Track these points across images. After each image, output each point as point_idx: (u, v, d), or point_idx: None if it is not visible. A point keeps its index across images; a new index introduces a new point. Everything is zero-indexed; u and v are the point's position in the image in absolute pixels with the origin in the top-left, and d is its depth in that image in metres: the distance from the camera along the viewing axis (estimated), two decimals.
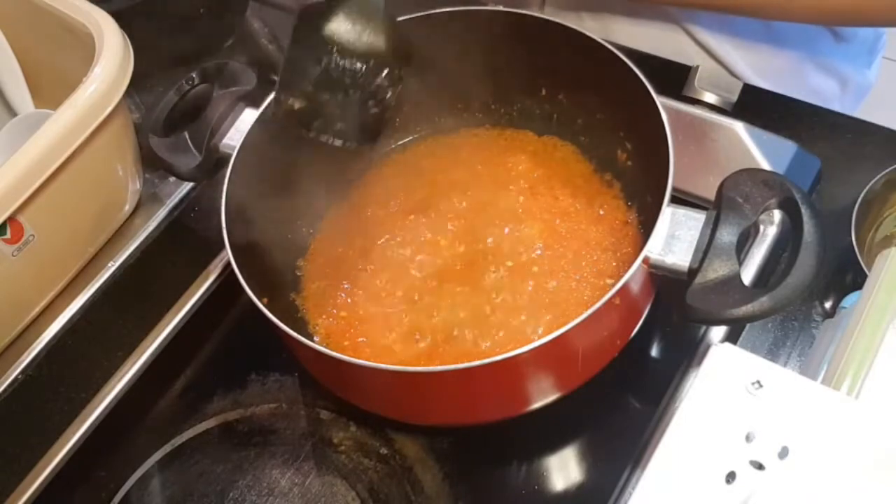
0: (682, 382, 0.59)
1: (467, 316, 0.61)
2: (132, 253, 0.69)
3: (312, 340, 0.60)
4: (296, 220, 0.67)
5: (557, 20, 0.62)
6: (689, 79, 0.69)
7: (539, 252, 0.63)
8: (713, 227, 0.51)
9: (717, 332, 0.62)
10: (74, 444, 0.61)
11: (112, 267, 0.69)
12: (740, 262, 0.50)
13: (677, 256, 0.52)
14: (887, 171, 0.61)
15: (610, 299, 0.50)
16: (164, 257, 0.70)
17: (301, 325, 0.63)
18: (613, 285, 0.50)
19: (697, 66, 0.69)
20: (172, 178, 0.72)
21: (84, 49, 0.61)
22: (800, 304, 0.62)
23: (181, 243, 0.71)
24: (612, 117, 0.65)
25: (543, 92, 0.68)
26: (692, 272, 0.51)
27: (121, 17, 0.63)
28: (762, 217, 0.53)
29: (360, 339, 0.61)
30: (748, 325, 0.62)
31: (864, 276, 0.53)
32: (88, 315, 0.67)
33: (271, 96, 0.61)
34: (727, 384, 0.45)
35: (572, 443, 0.61)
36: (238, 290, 0.53)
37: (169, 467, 0.62)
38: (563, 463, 0.61)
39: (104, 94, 0.60)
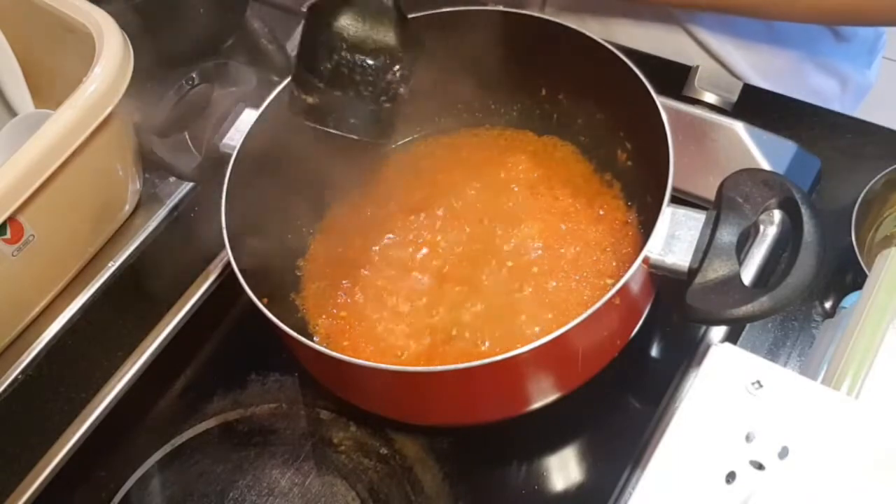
0: (682, 382, 0.59)
1: (467, 316, 0.61)
2: (132, 253, 0.69)
3: (312, 340, 0.60)
4: (296, 220, 0.67)
5: (557, 20, 0.62)
6: (689, 79, 0.69)
7: (539, 252, 0.63)
8: (713, 227, 0.51)
9: (717, 332, 0.62)
10: (74, 444, 0.61)
11: (112, 267, 0.68)
12: (740, 262, 0.50)
13: (677, 256, 0.52)
14: (887, 171, 0.61)
15: (610, 299, 0.50)
16: (164, 257, 0.70)
17: (301, 325, 0.63)
18: (613, 285, 0.50)
19: (697, 66, 0.69)
20: (172, 178, 0.72)
21: (84, 49, 0.61)
22: (800, 304, 0.62)
23: (181, 243, 0.71)
24: (612, 117, 0.65)
25: (543, 92, 0.69)
26: (692, 272, 0.51)
27: (121, 17, 0.63)
28: (762, 217, 0.53)
29: (360, 339, 0.62)
30: (748, 325, 0.62)
31: (864, 276, 0.53)
32: (88, 315, 0.67)
33: (273, 94, 0.61)
34: (727, 384, 0.45)
35: (572, 443, 0.61)
36: (238, 290, 0.53)
37: (169, 467, 0.62)
38: (563, 463, 0.61)
39: (104, 94, 0.60)
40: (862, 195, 0.61)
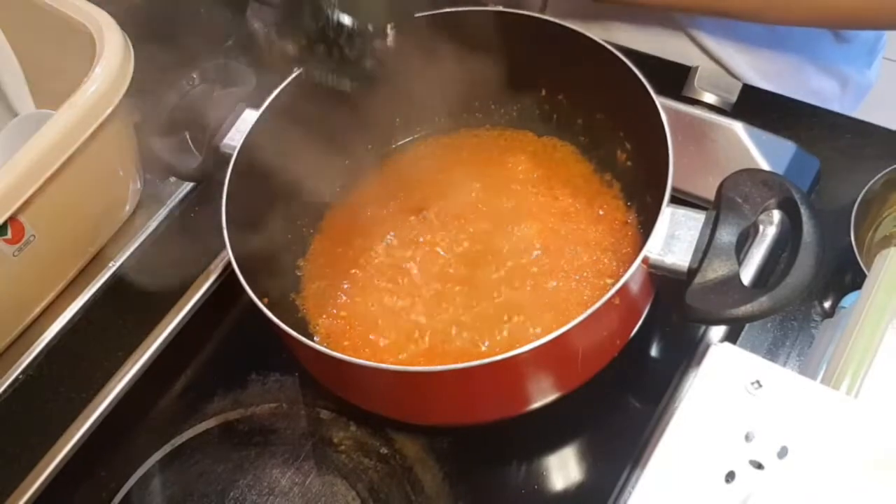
0: (682, 382, 0.59)
1: (467, 316, 0.61)
2: (132, 253, 0.69)
3: (312, 340, 0.60)
4: (296, 220, 0.67)
5: (557, 20, 0.62)
6: (688, 79, 0.69)
7: (539, 252, 0.63)
8: (713, 227, 0.51)
9: (717, 332, 0.62)
10: (75, 444, 0.61)
11: (112, 267, 0.69)
12: (740, 262, 0.50)
13: (677, 256, 0.52)
14: (886, 171, 0.61)
15: (610, 299, 0.50)
16: (164, 257, 0.70)
17: (301, 325, 0.63)
18: (613, 285, 0.50)
19: (697, 67, 0.69)
20: (172, 178, 0.72)
21: (84, 49, 0.61)
22: (799, 304, 0.62)
23: (181, 243, 0.71)
24: (612, 117, 0.65)
25: (543, 92, 0.69)
26: (692, 272, 0.51)
27: (121, 18, 0.63)
28: (761, 217, 0.53)
29: (360, 340, 0.62)
30: (748, 325, 0.62)
31: (864, 276, 0.53)
32: (88, 315, 0.67)
33: (273, 94, 0.61)
34: (727, 384, 0.45)
35: (572, 443, 0.61)
36: (238, 290, 0.53)
37: (169, 467, 0.62)
38: (563, 463, 0.61)
39: (104, 95, 0.60)
40: (861, 195, 0.61)
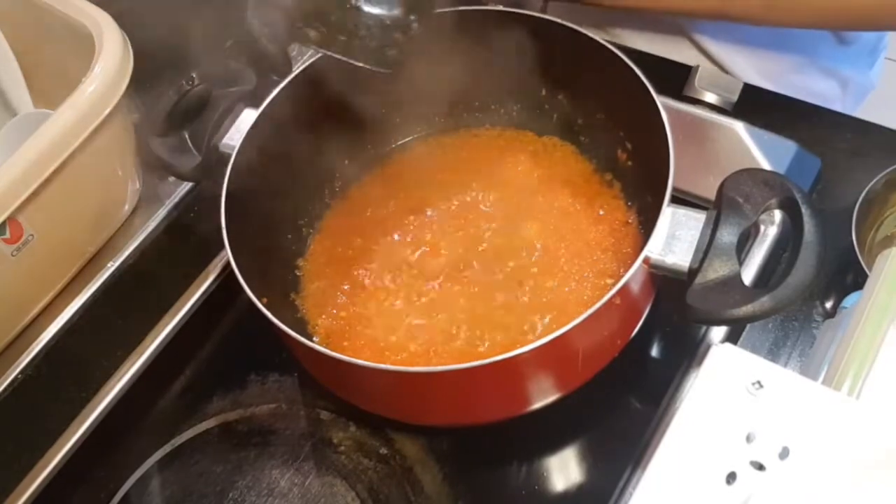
0: (682, 382, 0.59)
1: (467, 316, 0.61)
2: (132, 253, 0.69)
3: (312, 340, 0.60)
4: (296, 220, 0.67)
5: (557, 20, 0.62)
6: (689, 79, 0.69)
7: (539, 252, 0.63)
8: (713, 227, 0.51)
9: (718, 332, 0.62)
10: (74, 444, 0.61)
11: (112, 267, 0.68)
12: (740, 262, 0.50)
13: (677, 256, 0.52)
14: (888, 171, 0.61)
15: (610, 299, 0.50)
16: (164, 257, 0.70)
17: (301, 325, 0.63)
18: (613, 285, 0.50)
19: (697, 66, 0.69)
20: (172, 178, 0.72)
21: (84, 49, 0.61)
22: (800, 305, 0.62)
23: (181, 243, 0.71)
24: (612, 117, 0.65)
25: (543, 92, 0.68)
26: (692, 272, 0.51)
27: (121, 17, 0.63)
28: (762, 217, 0.53)
29: (360, 340, 0.61)
30: (748, 326, 0.62)
31: (865, 276, 0.53)
32: (88, 315, 0.67)
33: (273, 94, 0.61)
34: (727, 384, 0.45)
35: (572, 443, 0.61)
36: (238, 290, 0.53)
37: (169, 467, 0.62)
38: (563, 463, 0.61)
39: (104, 94, 0.60)
40: (862, 195, 0.60)
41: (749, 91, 0.69)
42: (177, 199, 0.72)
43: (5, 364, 0.64)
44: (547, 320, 0.60)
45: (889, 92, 0.97)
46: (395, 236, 0.66)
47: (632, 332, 0.59)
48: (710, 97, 0.68)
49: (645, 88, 0.57)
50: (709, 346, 0.47)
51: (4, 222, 0.57)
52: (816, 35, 0.78)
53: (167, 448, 0.63)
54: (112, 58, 0.60)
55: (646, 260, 0.52)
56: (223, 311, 0.69)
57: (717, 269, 0.50)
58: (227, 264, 0.54)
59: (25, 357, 0.64)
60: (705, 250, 0.50)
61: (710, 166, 0.65)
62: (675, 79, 0.69)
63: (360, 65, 0.55)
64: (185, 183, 0.72)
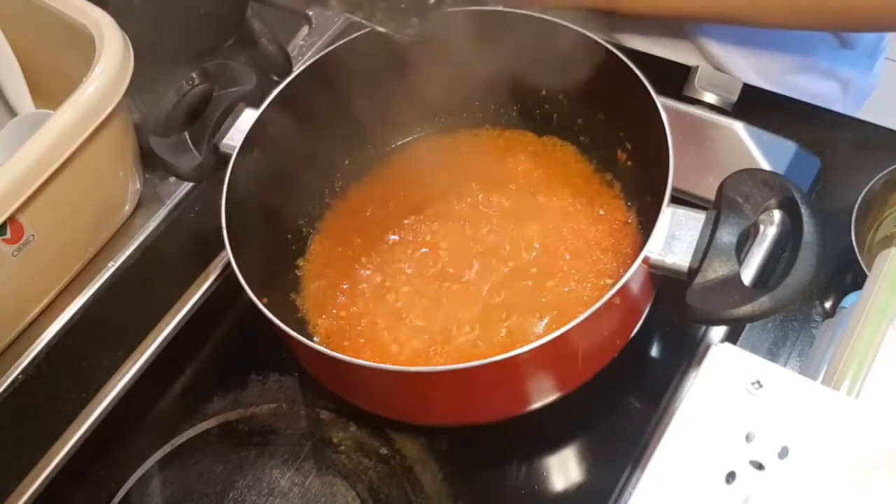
0: (682, 382, 0.59)
1: (467, 316, 0.61)
2: (132, 253, 0.69)
3: (312, 340, 0.60)
4: (296, 220, 0.67)
5: (558, 20, 0.62)
6: (689, 79, 0.69)
7: (539, 252, 0.63)
8: (713, 227, 0.51)
9: (717, 332, 0.62)
10: (74, 444, 0.61)
11: (112, 267, 0.68)
12: (740, 262, 0.50)
13: (677, 256, 0.52)
14: (887, 171, 0.61)
15: (610, 299, 0.50)
16: (164, 257, 0.70)
17: (301, 325, 0.63)
18: (613, 285, 0.50)
19: (697, 67, 0.69)
20: (172, 178, 0.72)
21: (84, 49, 0.61)
22: (800, 304, 0.62)
23: (181, 243, 0.71)
24: (612, 117, 0.65)
25: (543, 92, 0.68)
26: (692, 272, 0.51)
27: (121, 17, 0.63)
28: (762, 217, 0.53)
29: (360, 339, 0.61)
30: (748, 325, 0.62)
31: (864, 276, 0.53)
32: (88, 315, 0.67)
33: (273, 94, 0.61)
34: (727, 384, 0.45)
35: (572, 443, 0.61)
36: (238, 290, 0.53)
37: (169, 467, 0.62)
38: (563, 463, 0.61)
39: (104, 94, 0.60)
40: (862, 195, 0.61)
41: (749, 91, 0.69)
42: (177, 199, 0.72)
43: (6, 364, 0.64)
44: (547, 320, 0.60)
45: (889, 92, 0.97)
46: (395, 236, 0.66)
47: (631, 332, 0.59)
48: (710, 97, 0.68)
49: (645, 88, 0.57)
50: (708, 346, 0.47)
51: (5, 223, 0.57)
52: (817, 36, 0.78)
53: (167, 448, 0.63)
54: (112, 58, 0.60)
55: (645, 260, 0.52)
56: (223, 311, 0.69)
57: (716, 269, 0.50)
58: (228, 264, 0.54)
59: (26, 357, 0.64)
60: (705, 250, 0.50)
61: (710, 166, 0.65)
62: (675, 79, 0.69)
63: (379, 28, 0.56)
64: (185, 183, 0.72)
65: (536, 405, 0.58)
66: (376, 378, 0.54)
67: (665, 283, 0.54)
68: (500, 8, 0.64)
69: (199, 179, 0.66)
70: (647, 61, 0.59)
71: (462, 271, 0.63)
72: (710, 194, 0.54)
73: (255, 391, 0.65)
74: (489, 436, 0.61)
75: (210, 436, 0.63)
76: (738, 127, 0.65)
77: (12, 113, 0.70)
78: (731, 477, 0.43)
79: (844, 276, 0.62)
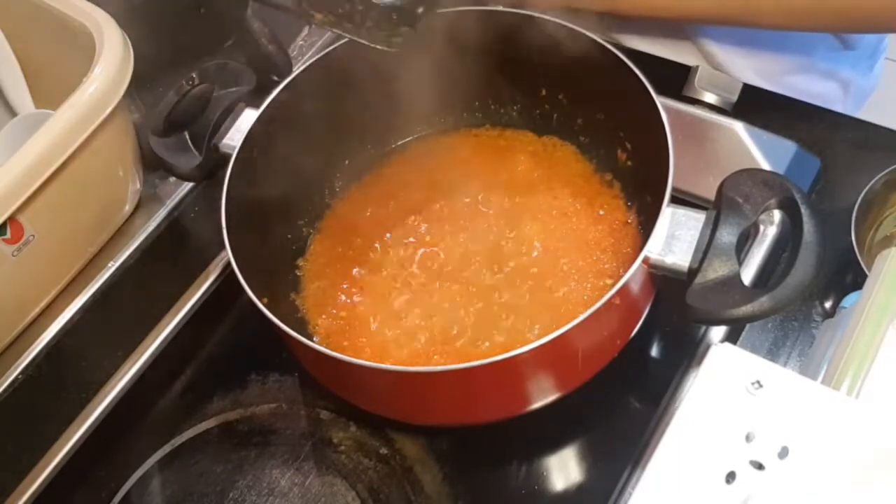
0: (682, 382, 0.59)
1: (467, 316, 0.61)
2: (132, 253, 0.69)
3: (312, 340, 0.60)
4: (296, 220, 0.67)
5: (557, 20, 0.62)
6: (689, 79, 0.69)
7: (539, 252, 0.63)
8: (713, 227, 0.51)
9: (717, 332, 0.62)
10: (74, 444, 0.61)
11: (112, 267, 0.69)
12: (740, 262, 0.50)
13: (677, 256, 0.52)
14: (887, 171, 0.61)
15: (610, 299, 0.50)
16: (164, 257, 0.70)
17: (301, 325, 0.63)
18: (613, 285, 0.50)
19: (697, 67, 0.69)
20: (172, 178, 0.72)
21: (84, 49, 0.61)
22: (800, 304, 0.62)
23: (181, 243, 0.71)
24: (612, 117, 0.65)
25: (543, 92, 0.69)
26: (692, 272, 0.51)
27: (121, 17, 0.63)
28: (762, 217, 0.53)
29: (360, 340, 0.61)
30: (748, 325, 0.62)
31: (864, 276, 0.53)
32: (88, 315, 0.67)
33: (273, 94, 0.61)
34: (727, 384, 0.45)
35: (572, 443, 0.61)
36: (238, 290, 0.53)
37: (169, 467, 0.62)
38: (563, 463, 0.61)
39: (104, 94, 0.60)
40: (862, 195, 0.61)
41: (749, 91, 0.69)
42: (177, 199, 0.72)
43: (6, 364, 0.64)
44: (547, 320, 0.60)
45: (889, 92, 0.97)
46: (396, 236, 0.66)
47: (631, 332, 0.59)
48: (710, 97, 0.68)
49: (645, 88, 0.57)
50: (708, 346, 0.47)
51: (5, 223, 0.57)
52: (817, 37, 0.78)
53: (167, 448, 0.63)
54: (112, 58, 0.60)
55: (645, 260, 0.52)
56: (223, 311, 0.69)
57: (716, 269, 0.50)
58: (228, 264, 0.54)
59: (26, 357, 0.64)
60: (705, 250, 0.50)
61: (710, 166, 0.65)
62: (675, 79, 0.69)
63: (365, 43, 0.56)
64: (185, 183, 0.72)
65: (536, 405, 0.58)
66: (376, 378, 0.54)
67: (665, 283, 0.54)
68: (500, 8, 0.64)
69: (199, 179, 0.66)
70: (647, 61, 0.59)
71: (462, 271, 0.63)
72: (710, 194, 0.54)
73: (255, 391, 0.65)
74: (489, 436, 0.61)
75: (210, 436, 0.63)
76: (738, 127, 0.65)
77: (12, 113, 0.70)
78: (731, 477, 0.43)
79: (844, 276, 0.62)
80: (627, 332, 0.58)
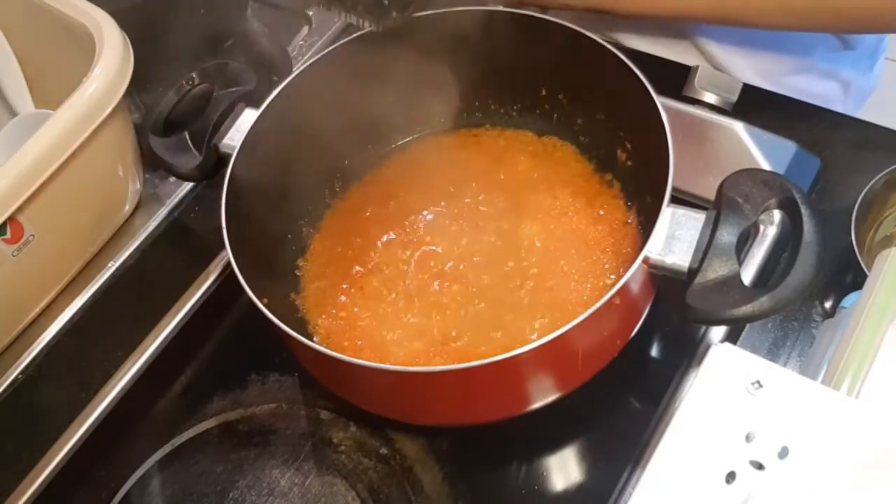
0: (682, 382, 0.59)
1: (467, 316, 0.61)
2: (132, 253, 0.69)
3: (312, 340, 0.60)
4: (296, 220, 0.67)
5: (557, 20, 0.62)
6: (689, 79, 0.69)
7: (539, 252, 0.63)
8: (713, 227, 0.51)
9: (717, 332, 0.62)
10: (74, 444, 0.61)
11: (112, 267, 0.69)
12: (740, 262, 0.50)
13: (677, 256, 0.52)
14: (887, 171, 0.61)
15: (610, 299, 0.50)
16: (164, 257, 0.70)
17: (301, 325, 0.63)
18: (613, 285, 0.50)
19: (697, 67, 0.69)
20: (172, 178, 0.72)
21: (84, 49, 0.61)
22: (800, 304, 0.62)
23: (181, 243, 0.71)
24: (612, 117, 0.65)
25: (543, 92, 0.69)
26: (692, 272, 0.51)
27: (121, 17, 0.63)
28: (762, 217, 0.53)
29: (360, 340, 0.61)
30: (748, 325, 0.62)
31: (864, 276, 0.53)
32: (88, 315, 0.67)
33: (273, 94, 0.61)
34: (727, 384, 0.45)
35: (572, 443, 0.61)
36: (238, 290, 0.53)
37: (169, 467, 0.62)
38: (563, 463, 0.61)
39: (104, 94, 0.60)
40: (862, 195, 0.61)
41: (749, 91, 0.69)
42: (177, 199, 0.72)
43: (6, 364, 0.64)
44: (547, 320, 0.60)
45: (889, 92, 0.97)
46: (395, 236, 0.66)
47: (631, 332, 0.59)
48: (710, 97, 0.68)
49: (645, 88, 0.57)
50: (708, 346, 0.47)
51: (5, 222, 0.57)
52: (817, 37, 0.78)
53: (167, 448, 0.63)
54: (112, 58, 0.60)
55: (645, 260, 0.52)
56: (223, 311, 0.69)
57: (716, 269, 0.50)
58: (228, 264, 0.54)
59: (26, 357, 0.64)
60: (705, 250, 0.50)
61: (710, 166, 0.65)
62: (675, 79, 0.69)
63: (354, 22, 0.56)
64: (185, 183, 0.72)
65: (536, 405, 0.58)
66: (376, 378, 0.54)
67: (665, 283, 0.54)
68: (500, 8, 0.64)
69: (199, 179, 0.66)
70: (647, 61, 0.59)
71: (462, 271, 0.63)
72: (710, 194, 0.54)
73: (255, 391, 0.65)
74: (489, 436, 0.61)
75: (210, 436, 0.63)
76: (738, 127, 0.65)
77: (12, 113, 0.70)
78: (731, 477, 0.43)
79: (844, 276, 0.62)
80: (627, 332, 0.58)
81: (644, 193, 0.62)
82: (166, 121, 0.63)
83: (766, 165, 0.64)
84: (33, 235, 0.60)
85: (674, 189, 0.53)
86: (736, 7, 0.68)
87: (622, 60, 0.58)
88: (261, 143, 0.61)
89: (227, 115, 0.63)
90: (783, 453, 0.43)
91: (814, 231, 0.49)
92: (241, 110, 0.63)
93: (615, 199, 0.65)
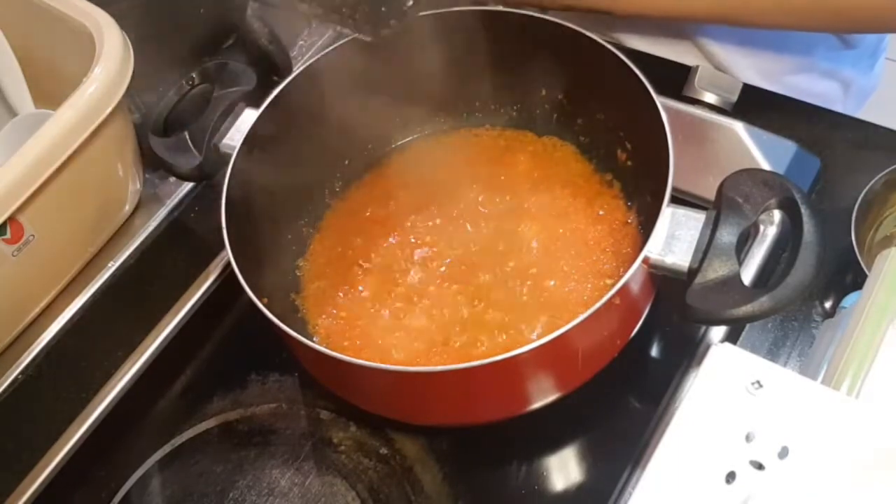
0: (682, 382, 0.59)
1: (467, 316, 0.61)
2: (132, 253, 0.69)
3: (312, 340, 0.60)
4: (296, 220, 0.67)
5: (557, 20, 0.62)
6: (689, 79, 0.69)
7: (538, 252, 0.63)
8: (713, 227, 0.51)
9: (717, 332, 0.62)
10: (74, 444, 0.61)
11: (112, 267, 0.69)
12: (740, 262, 0.50)
13: (677, 256, 0.52)
14: (887, 171, 0.61)
15: (610, 299, 0.50)
16: (164, 257, 0.70)
17: (301, 325, 0.63)
18: (613, 285, 0.50)
19: (697, 67, 0.69)
20: (172, 178, 0.72)
21: (84, 49, 0.61)
22: (800, 304, 0.62)
23: (181, 243, 0.71)
24: (612, 117, 0.65)
25: (543, 92, 0.69)
26: (692, 272, 0.51)
27: (121, 17, 0.63)
28: (762, 217, 0.53)
29: (360, 340, 0.62)
30: (748, 325, 0.62)
31: (864, 276, 0.53)
32: (88, 315, 0.67)
33: (273, 94, 0.61)
34: (727, 384, 0.45)
35: (572, 443, 0.61)
36: (238, 290, 0.53)
37: (169, 467, 0.62)
38: (563, 463, 0.61)
39: (104, 95, 0.60)
40: (862, 195, 0.61)
41: (749, 91, 0.69)
42: (177, 200, 0.72)
43: (6, 364, 0.64)
44: (547, 320, 0.60)
45: (889, 92, 0.97)
46: (395, 236, 0.66)
47: (631, 332, 0.59)
48: (710, 97, 0.68)
49: (645, 88, 0.57)
50: (708, 346, 0.47)
51: (5, 223, 0.57)
52: (817, 36, 0.78)
53: (167, 448, 0.63)
54: (112, 58, 0.60)
55: (645, 260, 0.52)
56: (223, 311, 0.69)
57: (716, 269, 0.50)
58: (228, 264, 0.54)
59: (26, 357, 0.64)
60: (705, 250, 0.50)
61: (710, 166, 0.65)
62: (675, 79, 0.69)
63: (353, 33, 0.56)
64: (185, 183, 0.72)
65: (536, 405, 0.58)
66: (376, 378, 0.54)
67: (665, 283, 0.54)
68: (500, 8, 0.64)
69: (199, 179, 0.66)
70: (647, 61, 0.59)
71: (462, 271, 0.63)
72: (710, 194, 0.54)
73: (255, 391, 0.65)
74: (489, 436, 0.61)
75: (210, 436, 0.63)
76: (738, 127, 0.65)
77: (12, 113, 0.70)
78: (731, 477, 0.43)
79: (844, 276, 0.62)
80: (627, 332, 0.58)
81: (644, 193, 0.62)
82: (166, 121, 0.63)
83: (766, 165, 0.64)
84: (33, 235, 0.60)
85: (674, 189, 0.53)
86: (736, 7, 0.68)
87: (622, 60, 0.58)
88: (261, 143, 0.61)
89: (227, 115, 0.63)
90: (783, 453, 0.43)
91: (814, 231, 0.49)
92: (241, 110, 0.63)
93: (615, 199, 0.65)
